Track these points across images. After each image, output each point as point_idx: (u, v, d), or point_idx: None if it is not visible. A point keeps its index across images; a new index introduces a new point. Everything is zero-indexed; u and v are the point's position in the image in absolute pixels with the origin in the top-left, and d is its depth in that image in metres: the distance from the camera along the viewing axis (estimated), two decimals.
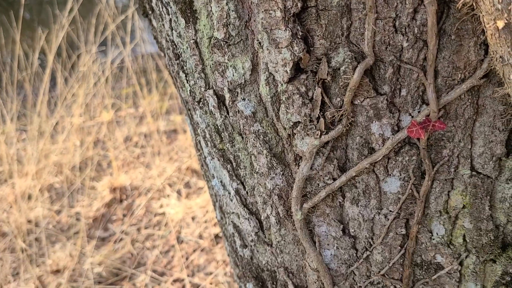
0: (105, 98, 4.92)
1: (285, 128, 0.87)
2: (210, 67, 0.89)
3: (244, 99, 0.87)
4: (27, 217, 3.82)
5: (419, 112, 0.82)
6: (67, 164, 4.39)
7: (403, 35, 0.75)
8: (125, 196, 4.00)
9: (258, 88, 0.86)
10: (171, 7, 0.88)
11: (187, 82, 0.98)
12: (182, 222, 3.65)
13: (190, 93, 0.99)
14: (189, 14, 0.85)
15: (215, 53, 0.84)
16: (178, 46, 0.95)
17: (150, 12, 1.04)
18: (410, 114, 0.83)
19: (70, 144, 4.60)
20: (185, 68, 0.96)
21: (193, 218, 3.70)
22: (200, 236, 3.50)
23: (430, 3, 0.71)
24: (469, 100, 0.80)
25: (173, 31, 0.93)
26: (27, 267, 3.37)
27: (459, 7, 0.69)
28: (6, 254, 3.57)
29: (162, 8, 0.92)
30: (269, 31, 0.76)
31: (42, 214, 3.92)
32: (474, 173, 0.87)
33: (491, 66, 0.75)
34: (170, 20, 0.92)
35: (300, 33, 0.76)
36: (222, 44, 0.82)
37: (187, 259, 3.38)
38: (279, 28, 0.75)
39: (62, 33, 3.79)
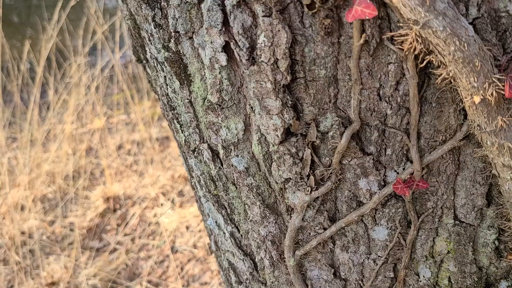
0: (96, 105, 4.92)
1: (277, 183, 0.92)
2: (205, 124, 0.93)
3: (237, 156, 0.92)
4: (20, 229, 3.84)
5: (403, 169, 0.87)
6: (59, 173, 4.41)
7: (387, 103, 0.80)
8: (118, 206, 4.03)
9: (251, 146, 0.91)
10: (165, 67, 0.92)
11: (182, 132, 1.02)
12: (176, 232, 3.70)
13: (185, 142, 1.04)
14: (183, 77, 0.89)
15: (209, 114, 0.89)
16: (172, 100, 0.99)
17: (144, 61, 1.08)
18: (395, 171, 0.88)
19: (62, 152, 4.61)
20: (179, 119, 1.01)
21: (187, 228, 3.75)
22: (195, 246, 3.56)
23: (411, 77, 0.76)
24: (451, 159, 0.86)
25: (168, 87, 0.97)
26: (22, 280, 3.41)
27: (439, 82, 0.74)
28: (0, 267, 3.59)
29: (157, 65, 0.96)
30: (260, 99, 0.81)
31: (35, 225, 3.94)
32: (457, 222, 0.93)
33: (470, 130, 0.81)
34: (165, 77, 0.96)
35: (290, 102, 0.80)
36: (216, 107, 0.87)
37: (182, 269, 3.44)
38: (270, 98, 0.80)
39: (50, 44, 3.79)
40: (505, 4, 0.75)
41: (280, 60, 0.75)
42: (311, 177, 0.88)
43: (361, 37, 0.73)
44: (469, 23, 0.77)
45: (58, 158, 4.48)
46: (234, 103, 0.86)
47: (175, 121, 1.03)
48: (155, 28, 0.88)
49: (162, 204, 3.93)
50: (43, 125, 4.63)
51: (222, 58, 0.80)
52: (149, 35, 0.92)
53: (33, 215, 3.97)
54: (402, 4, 0.66)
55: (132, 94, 4.69)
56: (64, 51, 4.49)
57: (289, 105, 0.80)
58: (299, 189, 0.90)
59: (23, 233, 3.87)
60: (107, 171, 4.25)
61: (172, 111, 1.02)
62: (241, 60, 0.78)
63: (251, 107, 0.84)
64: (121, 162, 4.55)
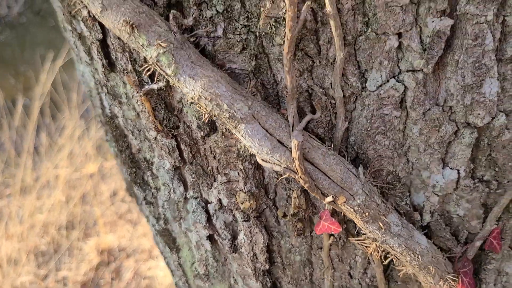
0: (89, 149, 5.00)
1: None
2: (195, 285, 1.03)
3: None
4: (13, 285, 3.89)
5: None
6: (53, 223, 4.46)
7: (358, 282, 0.91)
8: (113, 258, 4.09)
9: None
10: (157, 237, 1.03)
11: (173, 276, 1.12)
12: (171, 286, 3.76)
13: None
14: (172, 245, 0.99)
15: (196, 280, 0.99)
16: (167, 258, 1.09)
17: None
18: None
19: (55, 200, 4.67)
20: (173, 273, 1.11)
21: None
22: None
23: (377, 266, 0.86)
24: None
25: (161, 251, 1.07)
26: None
27: (401, 275, 0.85)
28: None
29: (151, 227, 1.07)
30: (243, 277, 0.91)
31: (28, 280, 3.99)
32: None
33: None
34: (158, 242, 1.06)
35: (270, 283, 0.91)
36: (203, 276, 0.97)
37: None
38: (251, 279, 0.90)
39: (43, 98, 3.90)
40: (455, 209, 0.87)
41: (259, 254, 0.86)
42: None
43: (329, 238, 0.84)
44: (425, 225, 0.88)
45: (52, 206, 4.55)
46: (220, 274, 0.96)
47: (170, 269, 1.13)
48: (146, 204, 0.98)
49: (156, 257, 3.99)
50: (36, 170, 4.70)
51: (207, 244, 0.90)
52: (141, 201, 1.02)
53: (26, 269, 4.03)
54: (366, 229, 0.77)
55: None
56: (58, 101, 4.59)
57: (268, 286, 0.90)
58: None
59: None
60: (100, 220, 4.32)
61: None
62: (223, 247, 0.88)
63: (235, 280, 0.94)
64: (115, 210, 4.62)
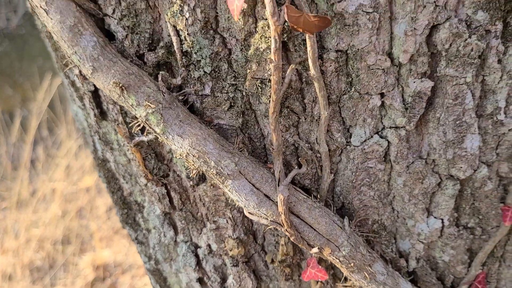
0: (86, 163, 5.01)
1: None
2: None
3: None
4: None
5: None
6: (49, 238, 4.46)
7: None
8: (108, 274, 4.09)
9: None
10: (150, 276, 1.04)
11: None
12: None
13: None
14: (163, 284, 1.01)
15: None
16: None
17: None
18: None
19: (51, 214, 4.67)
20: None
21: None
22: None
23: None
24: None
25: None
26: None
27: None
28: None
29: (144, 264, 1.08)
30: None
31: None
32: None
33: None
34: (150, 278, 1.08)
35: None
36: None
37: None
38: None
39: (41, 115, 3.92)
40: (441, 254, 0.89)
41: None
42: None
43: (317, 283, 0.86)
44: (411, 271, 0.91)
45: (48, 220, 4.55)
46: None
47: None
48: (137, 243, 1.00)
49: None
50: (32, 183, 4.71)
51: (197, 286, 0.92)
52: (133, 239, 1.04)
53: (21, 284, 4.02)
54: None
55: None
56: (55, 119, 4.61)
57: None
58: None
59: None
60: (96, 235, 4.32)
61: None
62: None
63: None
64: (111, 225, 4.62)
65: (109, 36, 0.77)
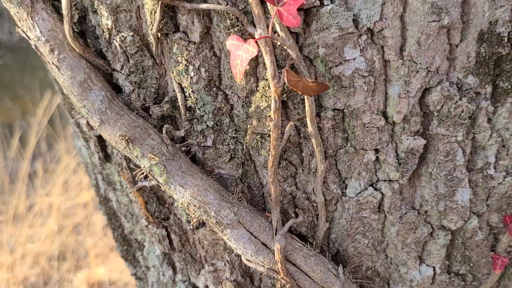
0: (83, 178, 5.02)
1: None
2: None
3: None
4: None
5: None
6: (44, 254, 4.45)
7: None
8: None
9: None
10: None
11: None
12: None
13: None
14: None
15: None
16: None
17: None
18: None
19: (48, 229, 4.66)
20: None
21: None
22: None
23: None
24: None
25: None
26: None
27: None
28: None
29: None
30: None
31: None
32: None
33: None
34: None
35: None
36: None
37: None
38: None
39: (39, 133, 3.95)
40: None
41: None
42: None
43: None
44: None
45: (43, 234, 4.54)
46: None
47: None
48: (136, 279, 1.03)
49: None
50: (29, 197, 4.71)
51: None
52: (132, 274, 1.06)
53: None
54: None
55: None
56: (54, 135, 4.64)
57: None
58: None
59: None
60: (92, 251, 4.32)
61: None
62: None
63: None
64: (107, 241, 4.62)
65: (117, 88, 0.81)
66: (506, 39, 0.72)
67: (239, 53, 0.68)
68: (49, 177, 4.88)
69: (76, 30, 0.74)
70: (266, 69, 0.72)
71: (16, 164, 5.13)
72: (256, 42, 0.67)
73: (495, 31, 0.71)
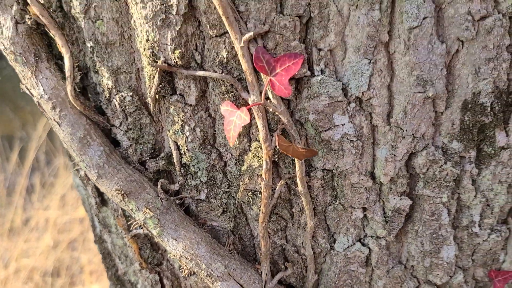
0: None
1: None
2: None
3: None
4: None
5: None
6: (38, 269, 4.44)
7: None
8: None
9: None
10: None
11: None
12: None
13: None
14: None
15: None
16: None
17: None
18: None
19: (43, 244, 4.65)
20: None
21: None
22: None
23: None
24: None
25: None
26: None
27: None
28: None
29: None
30: None
31: None
32: None
33: None
34: None
35: None
36: None
37: None
38: None
39: (38, 148, 3.98)
40: None
41: None
42: None
43: None
44: None
45: (39, 250, 4.54)
46: None
47: None
48: None
49: None
50: (26, 211, 4.71)
51: None
52: None
53: None
54: None
55: None
56: (53, 150, 4.67)
57: None
58: None
59: None
60: (87, 268, 4.31)
61: None
62: None
63: None
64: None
65: (115, 142, 0.84)
66: (489, 109, 0.75)
67: (233, 118, 0.71)
68: (46, 191, 4.90)
69: (77, 89, 0.78)
70: (258, 131, 0.75)
71: (14, 177, 5.14)
72: (249, 109, 0.70)
73: (478, 101, 0.75)
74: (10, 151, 4.95)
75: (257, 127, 0.76)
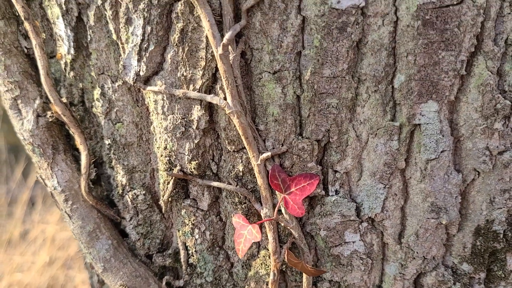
0: None
1: None
2: None
3: None
4: None
5: None
6: (31, 285, 4.41)
7: None
8: None
9: None
10: None
11: None
12: None
13: None
14: None
15: None
16: None
17: None
18: None
19: (39, 259, 4.63)
20: None
21: None
22: None
23: None
24: None
25: None
26: None
27: None
28: None
29: None
30: None
31: None
32: None
33: None
34: None
35: None
36: None
37: None
38: None
39: None
40: None
41: None
42: None
43: None
44: None
45: (34, 264, 4.51)
46: None
47: None
48: None
49: None
50: (25, 223, 4.71)
51: None
52: None
53: None
54: None
55: None
56: None
57: None
58: None
59: None
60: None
61: None
62: None
63: None
64: None
65: (123, 232, 0.84)
66: (501, 236, 0.75)
67: (243, 232, 0.71)
68: (48, 205, 4.90)
69: (91, 185, 0.78)
70: (268, 240, 0.75)
71: (18, 188, 5.15)
72: (260, 227, 0.71)
73: (491, 229, 0.75)
74: (15, 162, 4.98)
75: (267, 236, 0.76)
